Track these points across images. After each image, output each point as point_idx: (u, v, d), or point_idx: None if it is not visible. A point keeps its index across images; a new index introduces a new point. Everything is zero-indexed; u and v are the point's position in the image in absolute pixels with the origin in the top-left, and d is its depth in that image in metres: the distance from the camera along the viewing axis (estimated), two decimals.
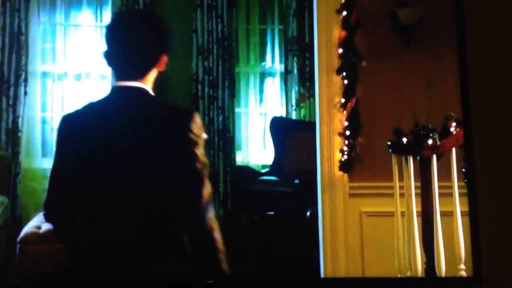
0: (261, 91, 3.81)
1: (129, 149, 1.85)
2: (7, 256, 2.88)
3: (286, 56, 3.74)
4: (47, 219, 2.10)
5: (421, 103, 2.74)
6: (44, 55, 3.47)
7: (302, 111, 3.62)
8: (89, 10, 3.51)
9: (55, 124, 3.21)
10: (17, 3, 3.35)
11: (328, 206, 2.74)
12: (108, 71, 3.30)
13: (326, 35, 2.85)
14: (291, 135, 3.48)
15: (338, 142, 2.78)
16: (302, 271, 2.70)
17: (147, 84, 1.92)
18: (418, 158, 2.62)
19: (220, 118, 3.65)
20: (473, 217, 2.51)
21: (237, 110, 3.72)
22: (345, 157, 2.77)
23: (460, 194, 2.58)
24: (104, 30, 2.44)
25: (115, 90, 1.89)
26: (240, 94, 3.76)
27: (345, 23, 2.82)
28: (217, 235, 1.93)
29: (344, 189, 2.76)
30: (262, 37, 3.85)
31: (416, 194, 2.62)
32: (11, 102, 3.31)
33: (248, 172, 3.58)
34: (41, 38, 3.46)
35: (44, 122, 3.42)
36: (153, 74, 1.96)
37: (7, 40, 3.35)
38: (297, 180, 3.12)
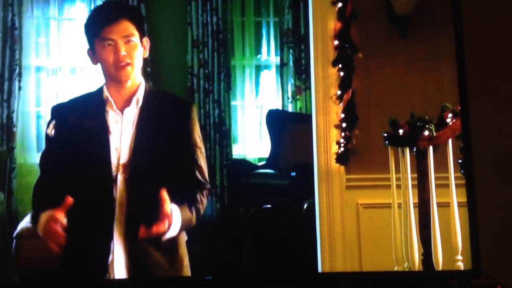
0: (257, 84, 3.79)
1: None
2: (3, 251, 2.87)
3: (281, 49, 3.72)
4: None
5: (417, 94, 2.74)
6: (38, 50, 3.44)
7: (298, 104, 3.60)
8: (82, 4, 3.49)
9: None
10: None
11: (325, 198, 2.74)
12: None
13: (322, 27, 2.85)
14: (288, 127, 3.47)
15: (335, 134, 2.78)
16: (300, 264, 2.70)
17: None
18: (415, 149, 2.63)
19: (216, 111, 3.64)
20: (472, 210, 2.51)
21: (233, 103, 3.70)
22: (342, 149, 2.77)
23: (457, 185, 2.58)
24: None
25: None
26: (236, 87, 3.74)
27: (341, 15, 2.81)
28: None
29: (340, 181, 2.76)
30: (257, 30, 3.83)
31: (412, 186, 2.62)
32: (5, 97, 3.29)
33: (244, 165, 3.56)
34: (35, 33, 3.44)
35: (38, 116, 3.40)
36: None
37: (0, 35, 3.32)
38: (294, 172, 3.12)
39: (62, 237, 2.17)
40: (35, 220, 2.25)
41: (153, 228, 2.15)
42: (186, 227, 2.28)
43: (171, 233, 2.22)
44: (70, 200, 2.16)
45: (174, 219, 2.20)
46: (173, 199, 2.21)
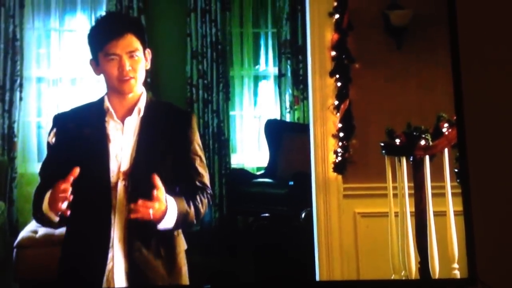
0: (255, 94, 3.82)
1: None
2: (3, 260, 2.88)
3: (279, 59, 3.76)
4: None
5: (413, 104, 2.76)
6: (39, 61, 3.48)
7: (296, 114, 3.64)
8: (83, 15, 3.53)
9: None
10: (11, 9, 3.36)
11: (322, 207, 2.76)
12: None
13: (319, 38, 2.87)
14: (286, 137, 3.50)
15: (332, 144, 2.80)
16: (297, 272, 2.71)
17: None
18: (411, 159, 2.64)
19: (215, 121, 3.66)
20: (467, 218, 2.52)
21: (231, 113, 3.73)
22: (339, 158, 2.79)
23: (453, 194, 2.60)
24: None
25: None
26: (234, 97, 3.78)
27: (338, 26, 2.84)
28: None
29: (338, 190, 2.78)
30: (255, 41, 3.87)
31: (409, 195, 2.63)
32: (6, 107, 3.32)
33: (243, 174, 3.59)
34: (36, 44, 3.47)
35: (39, 127, 3.43)
36: None
37: (2, 46, 3.36)
38: (292, 182, 3.14)
39: (68, 197, 2.14)
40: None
41: (144, 206, 2.13)
42: (183, 220, 2.25)
43: (166, 223, 2.20)
44: (76, 171, 2.15)
45: (169, 209, 2.19)
46: (169, 192, 2.20)
